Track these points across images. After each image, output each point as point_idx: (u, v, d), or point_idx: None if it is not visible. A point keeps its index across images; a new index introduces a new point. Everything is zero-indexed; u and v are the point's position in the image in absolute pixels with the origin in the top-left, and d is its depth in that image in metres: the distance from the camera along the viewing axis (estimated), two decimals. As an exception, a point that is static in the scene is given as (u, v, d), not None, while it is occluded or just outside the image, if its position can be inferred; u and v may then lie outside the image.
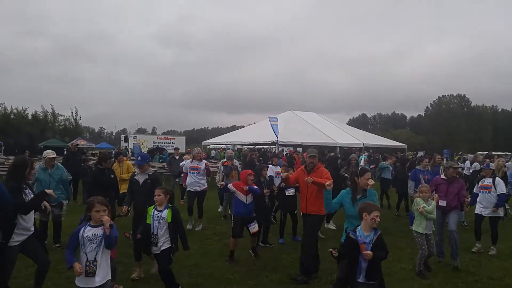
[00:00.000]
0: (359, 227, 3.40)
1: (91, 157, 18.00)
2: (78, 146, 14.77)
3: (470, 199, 6.03)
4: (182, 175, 8.54)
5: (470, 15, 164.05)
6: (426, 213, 5.02)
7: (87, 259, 3.15)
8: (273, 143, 18.77)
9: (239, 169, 8.50)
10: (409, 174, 8.38)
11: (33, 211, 3.94)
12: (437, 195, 5.58)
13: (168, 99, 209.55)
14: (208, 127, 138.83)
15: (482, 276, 5.14)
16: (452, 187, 5.66)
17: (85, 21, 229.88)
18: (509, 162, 10.89)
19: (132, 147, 28.20)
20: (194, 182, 7.47)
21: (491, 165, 6.66)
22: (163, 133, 51.86)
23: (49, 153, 6.15)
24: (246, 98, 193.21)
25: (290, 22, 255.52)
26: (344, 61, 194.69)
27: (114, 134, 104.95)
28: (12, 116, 35.61)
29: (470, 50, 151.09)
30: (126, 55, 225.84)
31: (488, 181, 6.21)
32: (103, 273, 3.21)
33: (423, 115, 78.87)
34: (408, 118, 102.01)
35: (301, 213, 5.17)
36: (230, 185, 5.87)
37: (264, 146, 27.12)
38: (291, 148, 24.93)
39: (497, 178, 6.25)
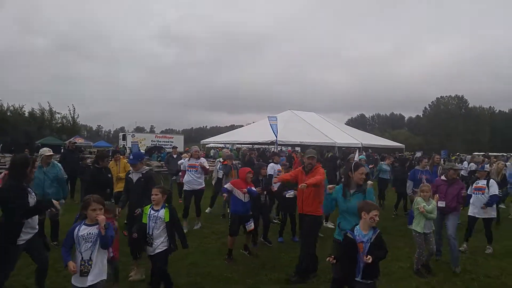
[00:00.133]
0: (357, 226, 3.38)
1: (88, 156, 17.91)
2: (76, 144, 14.68)
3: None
4: (180, 173, 8.49)
5: (470, 15, 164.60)
6: (426, 212, 5.02)
7: (82, 258, 3.12)
8: (272, 143, 18.77)
9: (239, 168, 8.47)
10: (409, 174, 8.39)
11: None
12: (437, 195, 5.58)
13: (167, 97, 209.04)
14: (206, 126, 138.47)
15: (479, 274, 5.17)
16: (452, 188, 5.66)
17: (84, 19, 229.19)
18: (509, 163, 10.91)
19: (130, 146, 28.10)
20: (192, 180, 7.43)
21: (486, 167, 6.69)
22: (161, 132, 51.79)
23: (46, 151, 6.11)
24: (245, 98, 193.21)
25: (290, 21, 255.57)
26: (344, 61, 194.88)
27: (112, 132, 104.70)
28: (8, 114, 35.43)
29: (469, 50, 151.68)
30: (125, 54, 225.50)
31: (482, 182, 6.26)
32: (96, 273, 3.15)
33: (421, 116, 79.12)
34: (406, 119, 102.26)
35: (298, 213, 5.17)
36: (228, 184, 5.85)
37: (263, 146, 27.13)
38: (290, 148, 24.95)
39: (491, 180, 6.29)
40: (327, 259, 3.38)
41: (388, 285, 4.68)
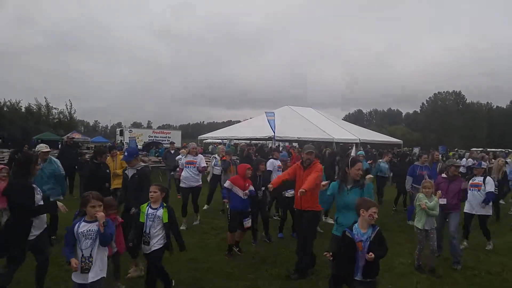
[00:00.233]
0: (355, 225, 3.32)
1: (86, 151, 17.81)
2: (74, 139, 14.60)
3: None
4: (178, 169, 8.44)
5: (470, 15, 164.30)
6: (428, 209, 4.97)
7: (83, 255, 3.12)
8: (270, 138, 18.71)
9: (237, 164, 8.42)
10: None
11: None
12: (439, 191, 5.56)
13: (164, 93, 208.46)
14: (203, 121, 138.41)
15: (480, 270, 5.17)
16: (453, 185, 5.63)
17: (81, 13, 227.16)
18: (509, 159, 10.93)
19: (128, 141, 27.98)
20: (189, 177, 7.36)
21: (483, 164, 6.66)
22: (159, 127, 51.60)
23: (43, 147, 6.08)
24: (243, 93, 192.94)
25: (288, 16, 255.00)
26: (341, 56, 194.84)
27: (109, 128, 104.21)
28: (5, 109, 35.17)
29: (468, 48, 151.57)
30: (122, 49, 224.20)
31: (479, 179, 6.22)
32: (97, 270, 3.15)
33: (419, 112, 79.20)
34: (403, 115, 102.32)
35: (295, 209, 5.14)
36: (227, 183, 5.80)
37: (261, 141, 27.08)
38: (288, 144, 24.91)
39: (488, 177, 6.25)
40: (324, 254, 3.34)
41: (389, 280, 4.67)
